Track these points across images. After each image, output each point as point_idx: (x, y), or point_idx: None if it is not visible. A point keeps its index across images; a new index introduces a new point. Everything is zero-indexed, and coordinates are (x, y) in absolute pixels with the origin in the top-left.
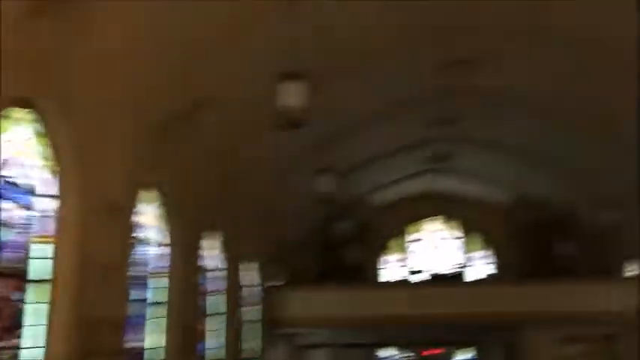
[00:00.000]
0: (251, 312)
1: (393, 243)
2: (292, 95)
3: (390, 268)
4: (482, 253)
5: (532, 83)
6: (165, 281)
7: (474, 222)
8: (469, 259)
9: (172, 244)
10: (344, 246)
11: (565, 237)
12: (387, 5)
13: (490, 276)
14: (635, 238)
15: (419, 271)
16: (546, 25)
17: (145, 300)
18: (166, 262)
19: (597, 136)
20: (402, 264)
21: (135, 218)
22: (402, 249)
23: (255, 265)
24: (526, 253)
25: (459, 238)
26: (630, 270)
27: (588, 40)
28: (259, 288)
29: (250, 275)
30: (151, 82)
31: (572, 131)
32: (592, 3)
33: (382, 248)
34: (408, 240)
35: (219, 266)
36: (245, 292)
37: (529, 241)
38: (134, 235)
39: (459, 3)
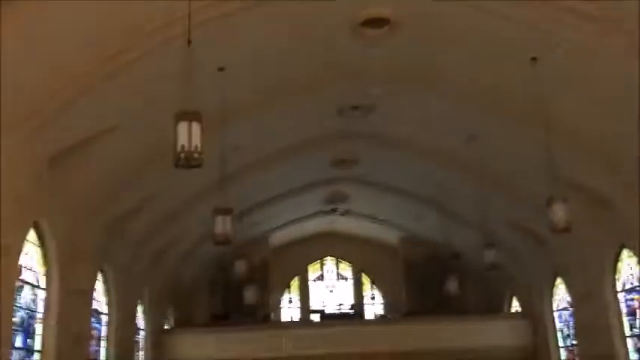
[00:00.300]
0: (144, 356)
1: (291, 282)
2: (189, 134)
3: (289, 308)
4: (375, 292)
5: (420, 130)
6: (53, 326)
7: (368, 262)
8: (363, 298)
9: (61, 288)
10: (241, 286)
11: (453, 276)
12: (291, 47)
13: (382, 315)
14: (515, 276)
15: (316, 311)
16: (437, 75)
17: (29, 348)
18: (55, 307)
19: (482, 182)
20: (299, 304)
21: (20, 259)
22: (300, 288)
23: (148, 307)
24: (416, 292)
25: (354, 277)
26: (513, 306)
27: (485, 90)
28: (152, 331)
29: (144, 318)
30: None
31: (457, 176)
32: (484, 55)
33: (280, 288)
34: (306, 279)
35: (111, 310)
36: (138, 335)
37: (419, 281)
38: (19, 277)
39: (359, 50)
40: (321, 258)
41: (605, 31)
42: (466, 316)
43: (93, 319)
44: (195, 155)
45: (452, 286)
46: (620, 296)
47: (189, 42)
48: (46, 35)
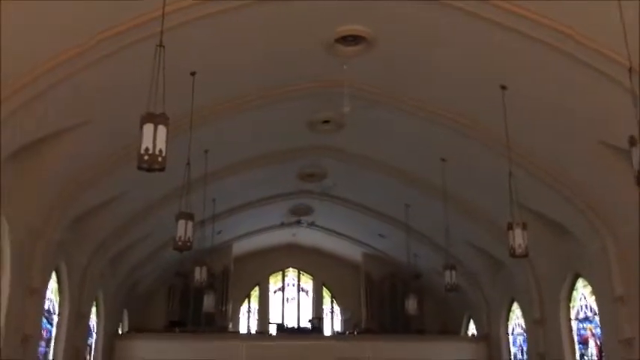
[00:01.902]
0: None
1: (251, 292)
2: (154, 137)
3: (247, 318)
4: (335, 307)
5: (389, 149)
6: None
7: (330, 276)
8: (323, 312)
9: (12, 285)
10: (200, 294)
11: (413, 295)
12: (265, 57)
13: (339, 332)
14: (473, 299)
15: (274, 323)
16: (409, 96)
17: None
18: (4, 305)
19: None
20: (258, 314)
21: None
22: (260, 299)
23: (101, 310)
24: (376, 310)
25: (314, 291)
26: (470, 328)
27: (455, 114)
28: (105, 334)
29: (97, 321)
30: None
31: (423, 197)
32: (456, 80)
33: (240, 297)
34: (266, 290)
35: (63, 310)
36: (90, 338)
37: (380, 298)
38: None
39: (333, 66)
40: (282, 269)
41: (573, 63)
42: (424, 335)
43: (44, 319)
44: (159, 159)
45: (411, 305)
46: (574, 324)
47: (160, 43)
48: (13, 26)
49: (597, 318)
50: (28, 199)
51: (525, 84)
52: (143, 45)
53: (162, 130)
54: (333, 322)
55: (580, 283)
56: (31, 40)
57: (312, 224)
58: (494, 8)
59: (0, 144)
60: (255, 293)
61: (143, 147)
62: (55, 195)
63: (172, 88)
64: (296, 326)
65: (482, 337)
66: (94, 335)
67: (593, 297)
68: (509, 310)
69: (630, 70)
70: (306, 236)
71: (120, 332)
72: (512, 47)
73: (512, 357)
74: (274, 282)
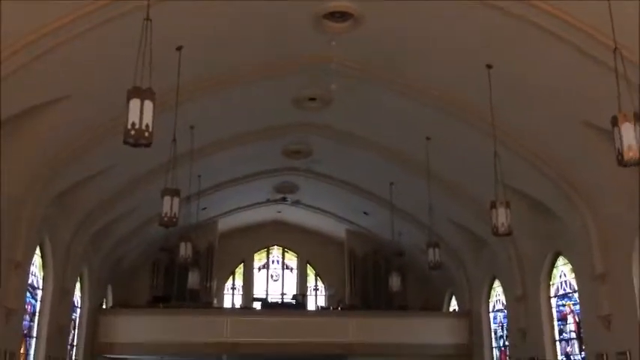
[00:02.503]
0: (78, 334)
1: (236, 269)
2: (141, 112)
3: (231, 295)
4: (319, 284)
5: (375, 127)
6: None
7: (314, 253)
8: (307, 289)
9: None
10: (185, 270)
11: (396, 272)
12: (252, 33)
13: (324, 306)
14: (455, 276)
15: (258, 299)
16: (396, 74)
17: None
18: None
19: (431, 183)
20: (242, 291)
21: None
22: (244, 276)
23: (86, 285)
24: (360, 286)
25: (299, 268)
26: (452, 305)
27: (441, 93)
28: (89, 309)
29: (81, 296)
30: None
31: (408, 175)
32: (443, 59)
33: (225, 274)
34: (251, 267)
35: (47, 285)
36: (75, 313)
37: (363, 275)
38: None
39: (320, 42)
40: (267, 247)
41: (555, 40)
42: (406, 312)
43: (28, 294)
44: (146, 134)
45: (395, 282)
46: (553, 301)
47: (147, 17)
48: None
49: (576, 295)
50: (11, 172)
51: (510, 63)
52: (130, 18)
53: (148, 105)
54: (317, 298)
55: (560, 261)
56: (15, 11)
57: (296, 202)
58: None
59: None
60: (239, 270)
61: (130, 122)
62: (39, 168)
63: (158, 63)
64: (280, 302)
65: (463, 313)
66: (78, 310)
67: (573, 275)
68: (490, 288)
69: (615, 50)
70: (291, 213)
71: (104, 307)
72: (498, 26)
73: (492, 333)
74: (259, 259)
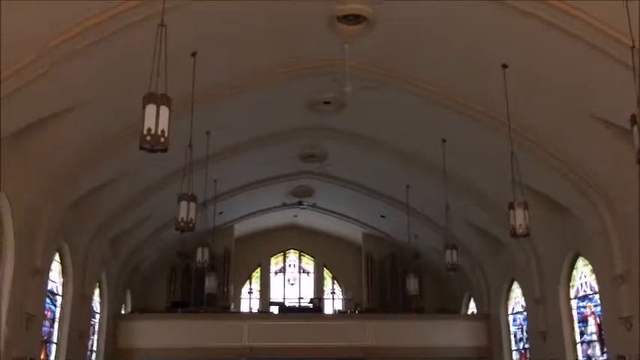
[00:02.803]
0: (98, 340)
1: (252, 273)
2: (156, 118)
3: (248, 299)
4: (335, 287)
5: (390, 129)
6: (5, 305)
7: (331, 257)
8: (323, 293)
9: (16, 266)
10: (202, 275)
11: (413, 275)
12: (266, 37)
13: (341, 310)
14: (473, 278)
15: (275, 303)
16: (411, 75)
17: None
18: (7, 285)
19: (447, 184)
20: (260, 295)
21: None
22: (261, 280)
23: (105, 291)
24: (377, 289)
25: (315, 272)
26: (470, 308)
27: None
28: (108, 315)
29: (100, 301)
30: None
31: (424, 177)
32: (457, 59)
33: (242, 278)
34: (268, 271)
35: (66, 291)
36: (94, 319)
37: (380, 278)
38: None
39: (334, 45)
40: (284, 250)
41: (571, 39)
42: (424, 315)
43: (47, 300)
44: (162, 139)
45: (412, 285)
46: (573, 303)
47: (162, 23)
48: (14, 5)
49: (597, 296)
50: (29, 179)
51: (526, 63)
52: (145, 25)
53: (164, 110)
54: (333, 302)
55: (580, 262)
56: (31, 19)
57: (313, 206)
58: None
59: (0, 124)
60: (256, 274)
61: (145, 127)
62: (57, 175)
63: (174, 69)
64: (297, 306)
65: (482, 316)
66: (98, 316)
67: (593, 276)
68: (509, 290)
69: (632, 48)
70: (307, 217)
71: (123, 313)
72: (513, 26)
73: (512, 336)
74: (275, 263)
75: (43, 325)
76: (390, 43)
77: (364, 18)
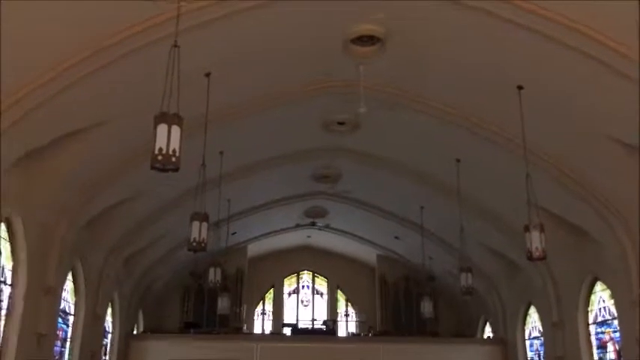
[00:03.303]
0: None
1: (266, 294)
2: (168, 137)
3: (261, 320)
4: (349, 309)
5: (404, 150)
6: (17, 324)
7: (345, 279)
8: (337, 315)
9: (28, 285)
10: (215, 295)
11: (427, 298)
12: (279, 57)
13: (355, 333)
14: (489, 302)
15: (288, 325)
16: (425, 96)
17: None
18: (20, 304)
19: (462, 206)
20: (273, 316)
21: None
22: (274, 301)
23: (117, 310)
24: (391, 312)
25: (329, 293)
26: (486, 332)
27: (471, 114)
28: (120, 335)
29: (112, 321)
30: None
31: (438, 198)
32: (473, 80)
33: (255, 299)
34: (281, 292)
35: (78, 311)
36: (106, 339)
37: (394, 300)
38: None
39: (348, 66)
40: (297, 272)
41: (585, 59)
42: (439, 338)
43: (59, 320)
44: (173, 159)
45: (426, 307)
46: (592, 328)
47: (175, 44)
48: (28, 24)
49: (616, 322)
50: (42, 200)
51: (542, 84)
52: (159, 45)
53: (176, 130)
54: (347, 324)
55: (598, 287)
56: (46, 39)
57: (326, 226)
58: (509, 7)
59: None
60: (269, 295)
61: (157, 147)
62: (70, 195)
63: (188, 89)
64: (310, 328)
65: (498, 340)
66: (110, 336)
67: (612, 300)
68: (526, 314)
69: None
70: (321, 238)
71: (135, 333)
72: (528, 47)
73: None
74: (289, 284)
75: (54, 345)
76: (403, 64)
77: (378, 39)
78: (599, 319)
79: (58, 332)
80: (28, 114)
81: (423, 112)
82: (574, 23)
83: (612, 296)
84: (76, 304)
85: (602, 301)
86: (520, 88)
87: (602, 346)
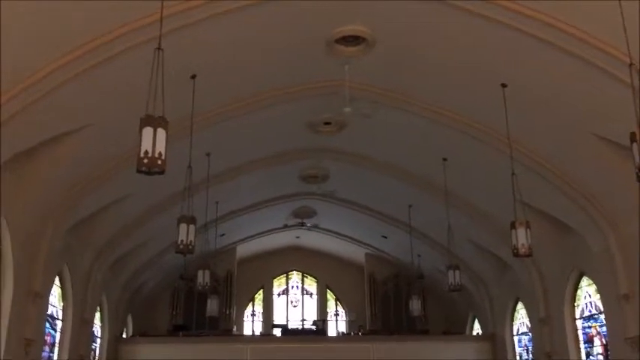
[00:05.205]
0: None
1: (255, 295)
2: (153, 140)
3: (251, 322)
4: (339, 309)
5: (391, 149)
6: (4, 330)
7: (334, 278)
8: (327, 314)
9: (15, 290)
10: (204, 297)
11: (416, 296)
12: (264, 58)
13: (345, 332)
14: (477, 299)
15: (278, 325)
16: (410, 95)
17: None
18: (6, 310)
19: (450, 204)
20: (262, 317)
21: None
22: (264, 302)
23: (105, 315)
24: (381, 310)
25: (318, 293)
26: (475, 328)
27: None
28: (109, 339)
29: (101, 325)
30: None
31: (426, 197)
32: (457, 79)
33: (244, 300)
34: (270, 293)
35: (66, 315)
36: (95, 343)
37: (384, 299)
38: None
39: (333, 66)
40: (286, 272)
41: (569, 57)
42: (428, 335)
43: (47, 325)
44: (159, 162)
45: (416, 305)
46: (579, 323)
47: (159, 46)
48: (13, 29)
49: (602, 316)
50: (28, 203)
51: (525, 82)
52: (144, 48)
53: (161, 133)
54: (337, 323)
55: (584, 282)
56: (30, 43)
57: (315, 227)
58: (493, 6)
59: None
60: (259, 296)
61: (142, 150)
62: (56, 199)
63: (173, 91)
64: (300, 328)
65: (487, 336)
66: (99, 340)
67: (598, 295)
68: (514, 310)
69: (630, 66)
70: (310, 238)
71: (124, 336)
72: (512, 45)
73: (517, 357)
74: (278, 285)
75: (42, 350)
76: (388, 63)
77: (363, 39)
78: (586, 313)
79: (45, 337)
80: (12, 118)
81: (408, 111)
82: (558, 22)
83: (598, 291)
84: (63, 309)
85: (588, 295)
86: (504, 86)
87: (590, 341)
